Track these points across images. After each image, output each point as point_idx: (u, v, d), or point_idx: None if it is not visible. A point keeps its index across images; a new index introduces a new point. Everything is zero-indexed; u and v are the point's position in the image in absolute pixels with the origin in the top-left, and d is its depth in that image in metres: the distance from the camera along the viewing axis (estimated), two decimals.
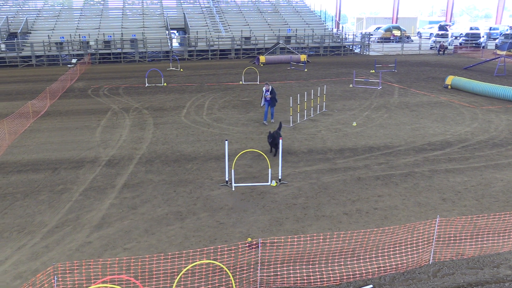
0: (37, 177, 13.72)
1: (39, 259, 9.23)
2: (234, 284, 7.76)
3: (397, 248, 9.32)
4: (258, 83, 29.81)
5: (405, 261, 8.93)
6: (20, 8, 50.59)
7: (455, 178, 13.26)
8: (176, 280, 7.62)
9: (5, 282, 8.49)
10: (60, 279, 8.30)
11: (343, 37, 52.14)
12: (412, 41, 65.02)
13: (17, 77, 34.61)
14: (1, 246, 9.73)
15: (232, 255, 9.19)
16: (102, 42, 44.55)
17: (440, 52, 49.14)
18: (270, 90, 18.67)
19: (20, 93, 27.38)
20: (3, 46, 42.86)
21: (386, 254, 9.18)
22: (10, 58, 41.81)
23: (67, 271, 8.67)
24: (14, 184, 13.16)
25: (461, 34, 63.57)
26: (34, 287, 8.05)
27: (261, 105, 19.38)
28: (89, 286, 7.99)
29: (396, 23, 76.96)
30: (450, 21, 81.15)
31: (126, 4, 54.00)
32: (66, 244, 9.80)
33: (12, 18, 47.04)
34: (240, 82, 30.19)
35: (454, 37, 62.29)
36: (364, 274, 8.58)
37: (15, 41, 42.57)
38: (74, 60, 41.62)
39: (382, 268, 8.75)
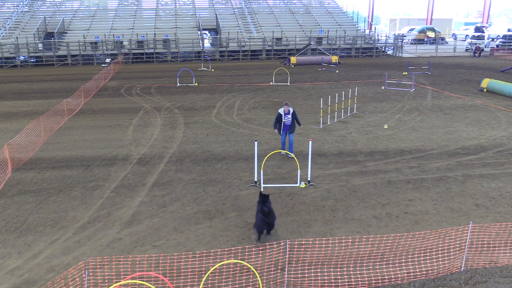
0: (71, 173, 14.04)
1: (71, 254, 9.44)
2: (261, 285, 7.76)
3: (428, 254, 9.13)
4: (288, 84, 29.74)
5: (435, 267, 8.75)
6: (57, 9, 51.92)
7: (490, 183, 12.91)
8: (203, 279, 7.67)
9: (38, 275, 8.72)
10: (90, 274, 8.47)
11: (376, 38, 51.51)
12: (446, 43, 63.71)
13: (53, 76, 35.52)
14: (35, 240, 9.99)
15: (260, 255, 9.19)
16: (136, 42, 45.28)
17: (476, 54, 47.99)
18: (290, 112, 14.66)
19: (56, 91, 28.10)
20: (40, 45, 44.08)
21: (416, 259, 9.01)
22: (47, 57, 42.97)
23: (98, 266, 8.84)
24: (49, 180, 13.51)
25: (498, 36, 61.93)
26: (66, 281, 8.24)
27: (275, 129, 15.07)
28: (119, 281, 8.12)
29: (430, 24, 75.57)
30: (487, 23, 79.18)
31: (159, 5, 54.74)
32: (97, 240, 9.99)
33: (49, 18, 48.32)
34: (271, 83, 30.19)
35: (490, 39, 60.75)
36: (393, 279, 8.45)
37: (52, 40, 43.71)
38: (108, 60, 42.46)
39: (412, 274, 8.60)
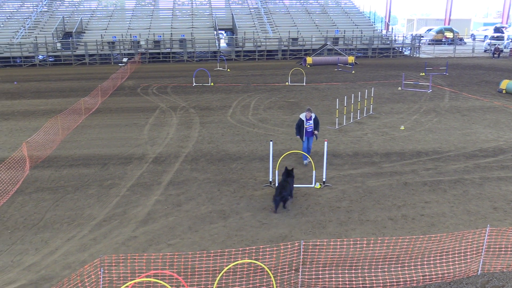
0: (87, 171, 14.19)
1: (87, 251, 9.54)
2: (275, 285, 7.75)
3: (444, 257, 9.03)
4: (304, 84, 29.66)
5: (452, 271, 8.65)
6: (75, 9, 52.50)
7: (508, 186, 12.71)
8: (217, 278, 7.68)
9: (54, 271, 8.83)
10: (106, 271, 8.55)
11: (393, 38, 51.10)
12: (465, 43, 62.90)
13: (71, 75, 35.94)
14: (52, 237, 10.12)
15: (274, 255, 9.18)
16: (152, 42, 45.57)
17: (495, 55, 47.30)
18: (312, 118, 14.22)
19: (74, 90, 28.41)
20: (59, 45, 44.61)
21: (432, 262, 8.92)
22: (65, 56, 43.48)
23: (113, 264, 8.92)
24: (66, 178, 13.66)
25: None
26: (81, 278, 8.33)
27: (297, 135, 14.47)
28: (134, 279, 8.18)
29: (448, 24, 74.74)
30: (507, 23, 77.98)
31: (176, 5, 55.02)
32: (113, 238, 10.08)
33: (68, 18, 48.89)
34: (286, 83, 30.14)
35: (510, 40, 59.81)
36: (408, 282, 8.38)
37: (70, 40, 44.22)
38: (125, 59, 42.79)
39: (427, 277, 8.51)
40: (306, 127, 14.11)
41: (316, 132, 14.41)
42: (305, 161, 14.44)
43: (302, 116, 14.15)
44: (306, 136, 14.29)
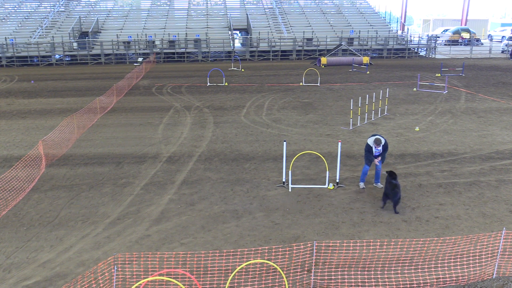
0: (102, 170, 14.32)
1: (101, 249, 9.63)
2: (287, 285, 7.74)
3: (458, 260, 8.94)
4: (319, 84, 29.57)
5: (466, 274, 8.56)
6: (91, 9, 53.00)
7: None
8: (230, 278, 7.70)
9: (69, 268, 8.93)
10: (119, 269, 8.62)
11: (408, 39, 50.70)
12: (482, 44, 62.17)
13: (87, 74, 36.29)
14: (67, 235, 10.23)
15: (286, 256, 9.17)
16: (167, 41, 45.81)
17: None
18: (381, 144, 12.36)
19: (89, 90, 28.69)
20: (75, 44, 45.07)
21: (446, 265, 8.83)
22: (81, 56, 43.92)
23: (127, 262, 8.99)
24: (81, 176, 13.81)
25: None
26: (95, 275, 8.41)
27: (375, 159, 12.53)
28: (147, 277, 8.23)
29: (465, 25, 73.88)
30: None
31: (191, 5, 55.23)
32: (127, 236, 10.16)
33: (84, 18, 49.37)
34: (301, 84, 30.08)
35: None
36: (422, 285, 8.30)
37: (86, 40, 44.65)
38: (140, 59, 43.08)
39: (441, 280, 8.43)
40: (374, 152, 12.52)
41: (380, 162, 12.70)
42: (362, 185, 12.92)
43: (370, 141, 12.44)
44: (376, 157, 12.55)
